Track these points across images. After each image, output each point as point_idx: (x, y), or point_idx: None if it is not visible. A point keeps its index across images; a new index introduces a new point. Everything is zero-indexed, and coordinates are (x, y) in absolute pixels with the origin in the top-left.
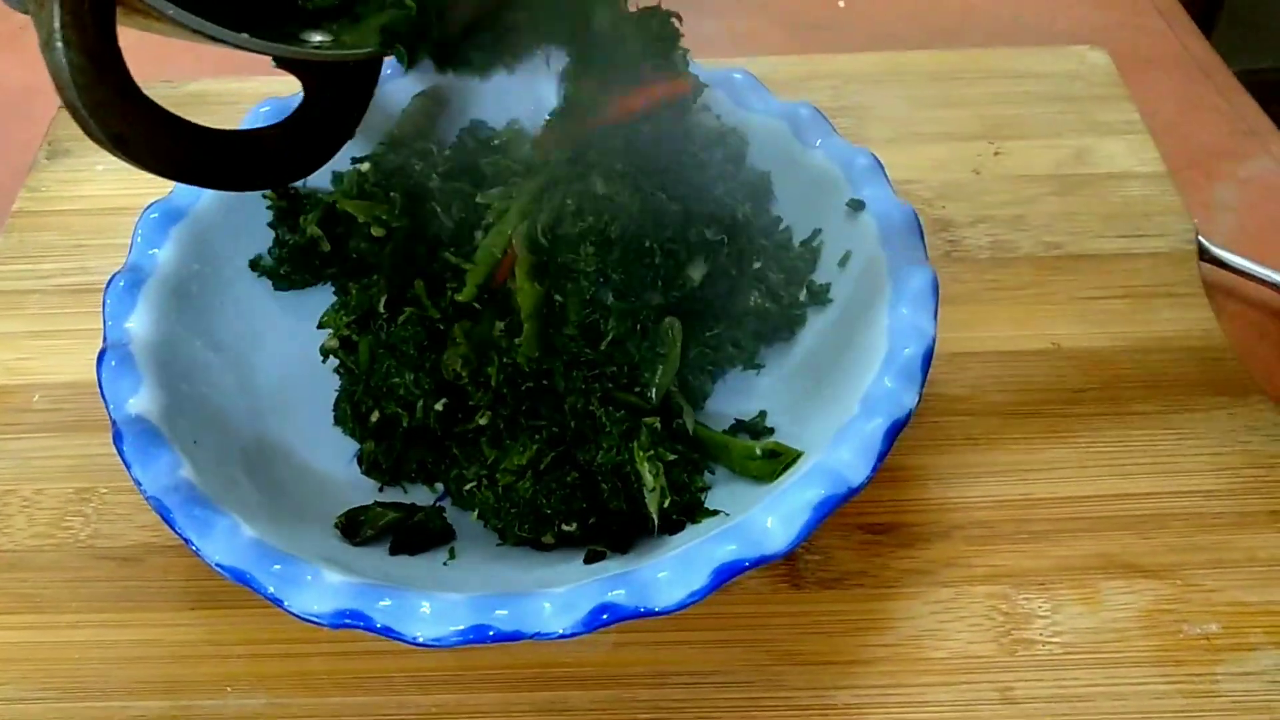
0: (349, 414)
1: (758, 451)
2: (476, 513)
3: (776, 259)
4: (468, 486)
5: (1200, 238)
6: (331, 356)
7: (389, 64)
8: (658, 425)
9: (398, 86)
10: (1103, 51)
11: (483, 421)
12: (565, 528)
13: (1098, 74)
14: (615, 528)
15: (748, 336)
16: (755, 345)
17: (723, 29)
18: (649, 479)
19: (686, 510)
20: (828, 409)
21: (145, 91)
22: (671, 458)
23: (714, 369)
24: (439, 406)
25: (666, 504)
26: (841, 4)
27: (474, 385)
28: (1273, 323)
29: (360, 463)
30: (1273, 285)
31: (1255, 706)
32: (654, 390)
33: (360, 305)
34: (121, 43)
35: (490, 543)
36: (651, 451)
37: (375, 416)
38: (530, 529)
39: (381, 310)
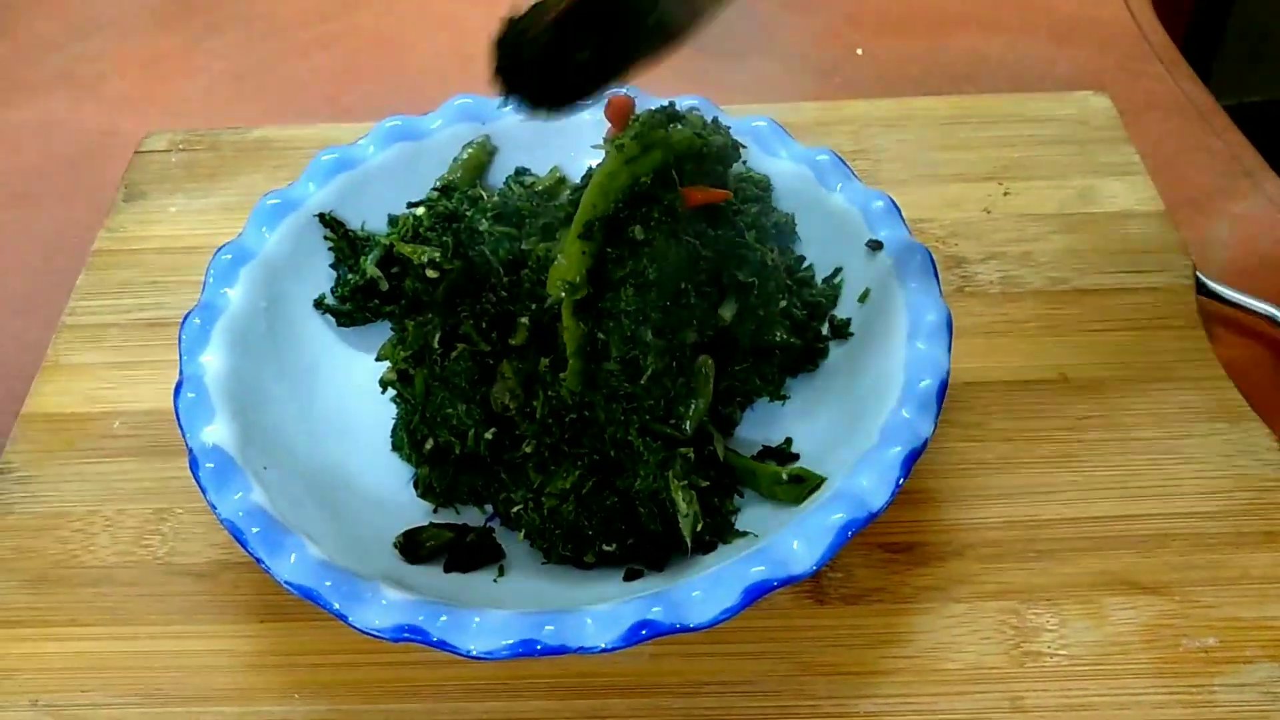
0: (405, 441)
1: (784, 477)
2: (523, 533)
3: (800, 296)
4: (515, 509)
5: (1198, 273)
6: (389, 388)
7: (439, 114)
8: (691, 455)
9: (449, 136)
10: (1104, 96)
11: (529, 449)
12: (605, 548)
13: (1100, 118)
14: (652, 548)
15: (774, 370)
16: (781, 378)
17: (746, 75)
18: (683, 505)
19: (718, 531)
20: (849, 437)
21: (214, 137)
22: (705, 484)
23: (742, 400)
24: (489, 435)
25: (699, 528)
26: (859, 51)
27: (521, 416)
28: (1266, 352)
29: (416, 486)
30: (1266, 317)
31: (1251, 716)
32: (688, 423)
33: (416, 340)
34: (193, 90)
35: (536, 561)
36: (685, 480)
37: (430, 444)
38: (573, 549)
39: (435, 346)
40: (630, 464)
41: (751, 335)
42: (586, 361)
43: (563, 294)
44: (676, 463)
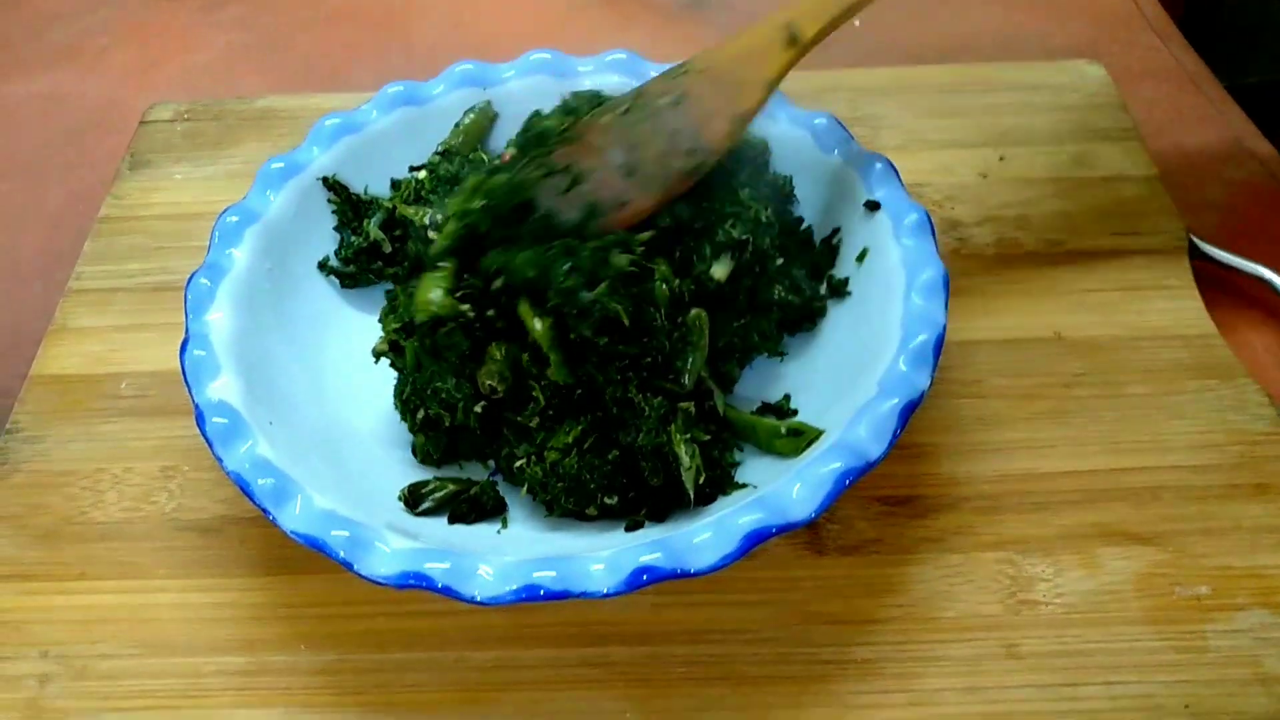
0: (401, 407)
1: (783, 430)
2: (526, 487)
3: (799, 256)
4: (518, 464)
5: (1191, 235)
6: (383, 358)
7: (441, 80)
8: (692, 409)
9: (451, 101)
10: (1099, 65)
11: (533, 424)
12: (607, 501)
13: (1095, 86)
14: (653, 501)
15: (773, 327)
16: (780, 335)
17: None
18: (685, 459)
19: (718, 484)
20: (847, 391)
21: (218, 107)
22: (706, 438)
23: (741, 356)
24: (478, 409)
25: (702, 480)
26: (857, 23)
27: (513, 399)
28: (1257, 312)
29: (414, 453)
30: (1258, 278)
31: (1242, 660)
32: (687, 376)
33: (406, 312)
34: (197, 62)
35: (539, 514)
36: (688, 434)
37: (422, 414)
38: (575, 502)
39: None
40: (632, 419)
41: (749, 293)
42: (565, 350)
43: (431, 316)
44: (678, 417)
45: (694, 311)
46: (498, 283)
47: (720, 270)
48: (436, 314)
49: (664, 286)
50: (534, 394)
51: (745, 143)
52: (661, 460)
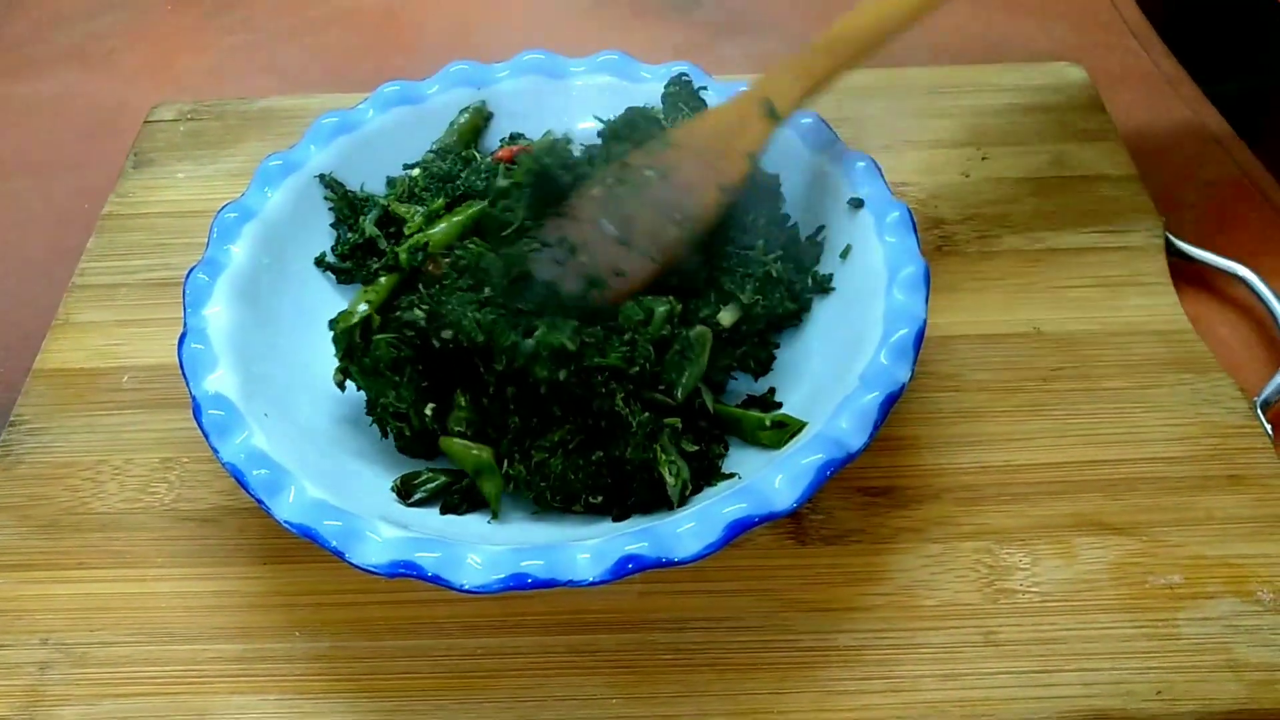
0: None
1: (767, 422)
2: (511, 485)
3: (787, 251)
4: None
5: (1167, 233)
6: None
7: (437, 80)
8: (679, 424)
9: (446, 100)
10: (1080, 68)
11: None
12: (592, 500)
13: (1075, 88)
14: (639, 500)
15: (767, 353)
16: (769, 359)
17: (738, 50)
18: (670, 479)
19: (704, 475)
20: (830, 384)
21: (220, 107)
22: (694, 449)
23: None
24: (428, 410)
25: (688, 493)
26: None
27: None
28: (1231, 308)
29: (400, 452)
30: (1232, 275)
31: (1213, 647)
32: (680, 390)
33: (342, 337)
34: (201, 64)
35: (530, 505)
36: (672, 455)
37: (386, 428)
38: (560, 500)
39: (358, 340)
40: (619, 433)
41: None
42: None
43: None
44: (664, 434)
45: (698, 329)
46: (447, 333)
47: (726, 318)
48: (355, 324)
49: (664, 306)
50: (511, 422)
51: (757, 177)
52: (648, 473)
